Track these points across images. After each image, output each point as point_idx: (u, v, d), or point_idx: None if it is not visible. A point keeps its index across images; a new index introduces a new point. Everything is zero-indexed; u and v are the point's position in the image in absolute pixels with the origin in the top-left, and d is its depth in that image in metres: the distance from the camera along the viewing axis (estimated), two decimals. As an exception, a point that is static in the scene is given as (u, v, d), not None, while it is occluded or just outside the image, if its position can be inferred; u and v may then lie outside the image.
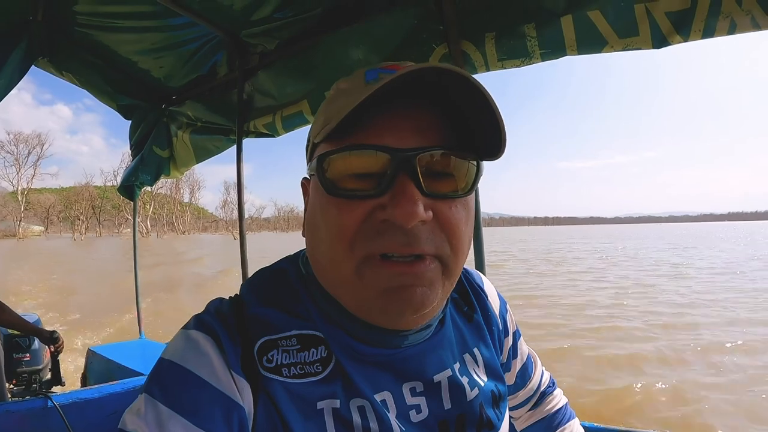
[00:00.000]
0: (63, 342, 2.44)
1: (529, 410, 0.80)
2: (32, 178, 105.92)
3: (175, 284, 14.66)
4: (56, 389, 2.48)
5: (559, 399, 0.82)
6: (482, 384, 0.59)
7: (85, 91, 2.61)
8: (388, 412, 0.50)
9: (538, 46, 1.39)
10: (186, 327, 0.51)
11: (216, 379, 0.45)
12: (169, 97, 2.77)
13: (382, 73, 0.49)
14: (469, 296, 0.67)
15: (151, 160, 2.87)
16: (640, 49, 1.29)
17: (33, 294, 13.06)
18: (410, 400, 0.52)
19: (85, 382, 2.95)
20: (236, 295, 0.57)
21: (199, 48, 2.34)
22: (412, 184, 0.44)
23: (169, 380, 0.45)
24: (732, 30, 1.16)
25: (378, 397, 0.50)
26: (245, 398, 0.46)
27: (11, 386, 2.54)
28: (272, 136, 2.26)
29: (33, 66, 2.31)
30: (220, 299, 0.56)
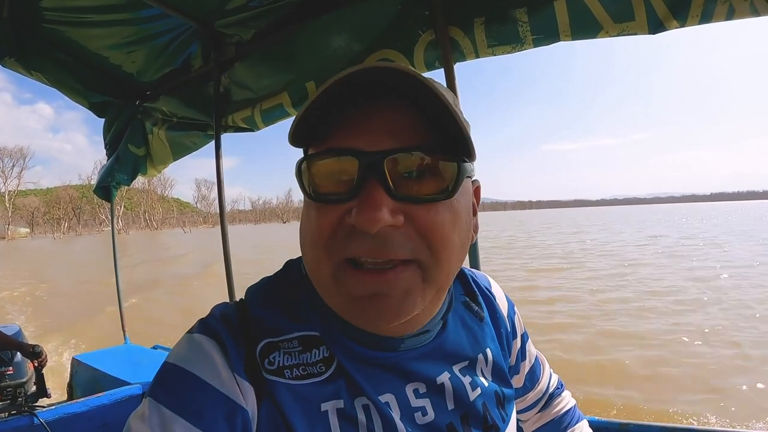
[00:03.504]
0: (46, 356, 2.39)
1: (538, 412, 0.80)
2: (17, 187, 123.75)
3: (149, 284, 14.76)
4: (43, 401, 2.40)
5: (567, 401, 0.82)
6: (486, 385, 0.59)
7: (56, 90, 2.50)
8: (392, 413, 0.49)
9: (530, 32, 1.32)
10: (190, 331, 0.51)
11: (219, 381, 0.45)
12: (143, 92, 2.66)
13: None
14: (477, 298, 0.66)
15: (126, 159, 2.78)
16: (635, 34, 1.24)
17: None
18: (414, 401, 0.52)
19: (71, 392, 2.89)
20: (241, 299, 0.56)
21: (172, 40, 2.24)
22: (379, 188, 0.42)
23: (173, 383, 0.45)
24: (730, 15, 1.12)
25: (382, 398, 0.50)
26: (249, 401, 0.46)
27: None
28: (251, 130, 2.17)
29: (2, 66, 2.22)
30: (225, 303, 0.56)
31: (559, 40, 1.31)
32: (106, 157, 2.92)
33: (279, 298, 0.54)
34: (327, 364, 0.49)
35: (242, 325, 0.51)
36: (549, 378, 0.80)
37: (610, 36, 1.26)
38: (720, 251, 18.19)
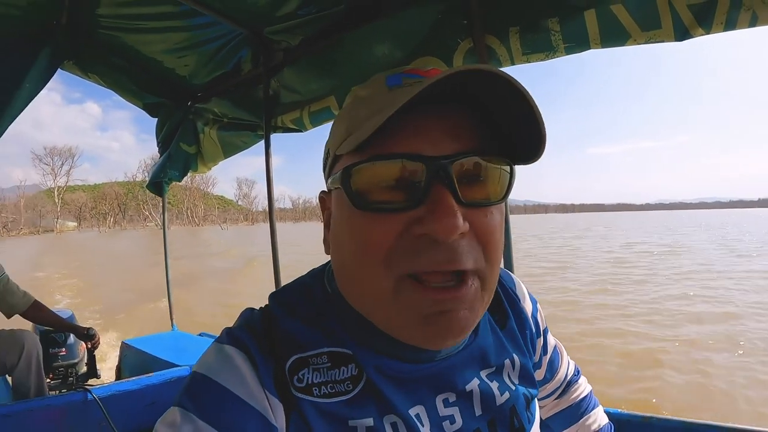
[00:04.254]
0: (99, 338, 2.53)
1: (555, 399, 0.80)
2: (66, 184, 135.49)
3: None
4: (93, 382, 2.56)
5: (584, 387, 0.82)
6: (513, 388, 0.58)
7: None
8: (422, 426, 0.49)
9: (562, 40, 1.42)
10: (219, 340, 0.50)
11: (250, 395, 0.45)
12: (194, 94, 2.83)
13: (407, 78, 0.48)
14: (502, 303, 0.65)
15: (178, 156, 2.96)
16: (662, 41, 1.31)
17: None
18: (443, 411, 0.51)
19: (119, 374, 3.05)
20: (266, 307, 0.55)
21: (223, 46, 2.39)
22: (449, 194, 0.41)
23: (204, 395, 0.45)
24: (753, 22, 1.17)
25: (411, 412, 0.49)
26: (278, 417, 0.45)
27: (48, 380, 2.61)
28: (299, 131, 2.32)
29: (59, 69, 2.39)
30: (251, 310, 0.55)
31: (590, 48, 1.40)
32: (159, 155, 3.12)
33: (306, 309, 0.53)
34: (355, 382, 0.48)
35: (270, 337, 0.50)
36: (567, 366, 0.80)
37: (638, 44, 1.35)
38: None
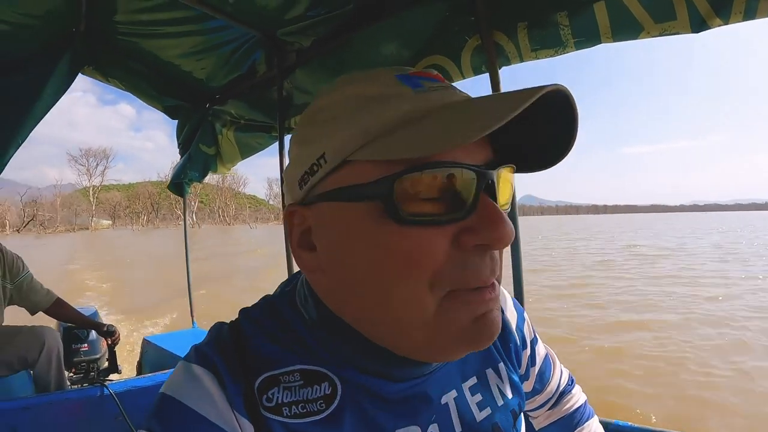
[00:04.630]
0: (119, 335, 2.61)
1: (548, 410, 0.77)
2: (100, 184, 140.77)
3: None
4: (113, 377, 2.61)
5: (578, 397, 0.79)
6: (500, 403, 0.57)
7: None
8: None
9: (572, 35, 1.37)
10: (187, 359, 0.48)
11: (219, 417, 0.43)
12: (212, 96, 2.87)
13: (425, 81, 0.45)
14: None
15: (198, 157, 3.01)
16: (678, 33, 1.25)
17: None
18: (428, 429, 0.50)
19: (140, 370, 3.16)
20: (236, 322, 0.53)
21: (238, 48, 2.41)
22: (493, 203, 0.41)
23: (172, 418, 0.43)
24: None
25: (392, 430, 0.48)
26: None
27: (71, 374, 2.71)
28: (313, 131, 2.32)
29: (80, 74, 2.46)
30: (220, 326, 0.53)
31: (600, 42, 1.35)
32: (179, 156, 3.21)
33: (280, 325, 0.51)
34: (328, 402, 0.46)
35: (239, 355, 0.48)
36: (560, 376, 0.76)
37: (652, 36, 1.29)
38: None
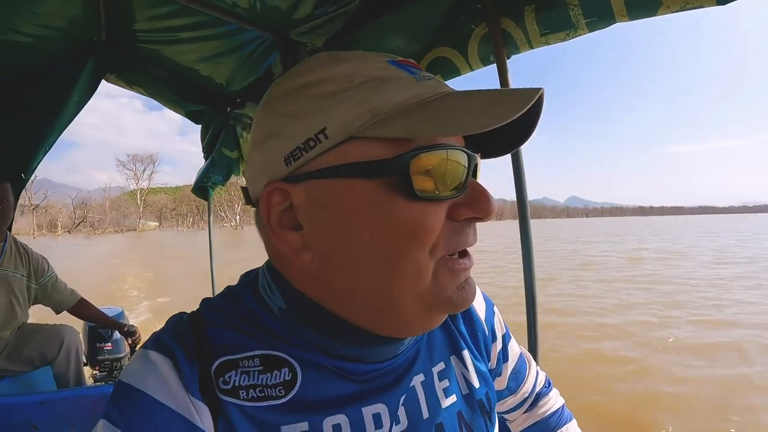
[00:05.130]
0: (140, 335, 2.69)
1: (524, 413, 0.77)
2: (147, 187, 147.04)
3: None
4: None
5: (555, 401, 0.79)
6: (464, 392, 0.58)
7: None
8: (366, 428, 0.48)
9: (583, 15, 1.25)
10: (144, 346, 0.49)
11: (174, 402, 0.44)
12: (233, 100, 2.90)
13: (416, 70, 0.48)
14: None
15: (221, 161, 3.04)
16: (701, 7, 1.11)
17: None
18: (390, 413, 0.50)
19: None
20: (197, 311, 0.53)
21: (254, 51, 2.41)
22: (479, 182, 0.48)
23: (128, 404, 0.44)
24: None
25: (367, 411, 0.49)
26: (205, 422, 0.44)
27: (95, 372, 2.83)
28: (325, 133, 2.28)
29: (104, 81, 2.54)
30: (180, 315, 0.53)
31: (615, 22, 1.23)
32: (204, 160, 3.26)
33: (242, 313, 0.51)
34: (287, 388, 0.47)
35: (197, 340, 0.48)
36: (536, 377, 0.77)
37: (672, 11, 1.16)
38: None
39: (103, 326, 2.75)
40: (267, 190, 0.46)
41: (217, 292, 0.57)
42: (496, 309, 0.71)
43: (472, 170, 0.46)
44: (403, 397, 0.51)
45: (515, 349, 0.73)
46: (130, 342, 2.66)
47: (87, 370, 2.72)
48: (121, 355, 2.88)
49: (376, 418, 0.49)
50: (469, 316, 0.66)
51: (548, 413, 0.77)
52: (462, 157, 0.45)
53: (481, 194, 0.46)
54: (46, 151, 2.28)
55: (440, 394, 0.55)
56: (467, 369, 0.60)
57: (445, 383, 0.56)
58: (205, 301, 0.54)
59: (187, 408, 0.44)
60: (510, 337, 0.72)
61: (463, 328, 0.64)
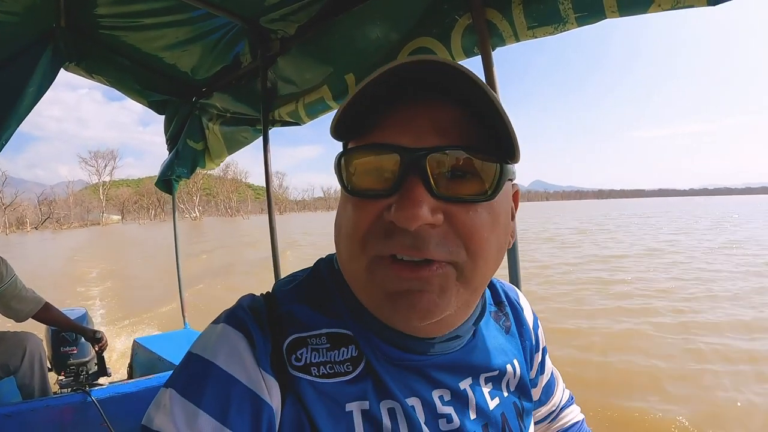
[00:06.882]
0: (106, 341, 2.54)
1: (548, 424, 0.79)
2: (109, 182, 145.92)
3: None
4: (102, 380, 2.59)
5: (575, 414, 0.81)
6: (505, 395, 0.58)
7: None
8: (418, 417, 0.48)
9: (573, 9, 1.21)
10: (216, 321, 0.50)
11: (246, 376, 0.45)
12: (198, 89, 2.77)
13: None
14: (505, 308, 0.66)
15: (186, 153, 2.92)
16: (692, 6, 1.09)
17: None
18: (440, 408, 0.51)
19: (131, 373, 3.11)
20: (269, 292, 0.55)
21: (221, 38, 2.31)
22: (420, 186, 0.42)
23: (198, 376, 0.44)
24: None
25: (408, 402, 0.49)
26: (273, 397, 0.45)
27: (60, 378, 2.66)
28: (297, 124, 2.19)
29: (63, 70, 2.37)
30: (252, 295, 0.54)
31: (605, 17, 1.20)
32: (167, 152, 3.10)
33: (309, 293, 0.54)
34: (354, 364, 0.48)
35: (271, 318, 0.50)
36: (562, 392, 0.79)
37: (663, 9, 1.13)
38: None
39: (67, 330, 2.59)
40: None
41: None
42: (539, 322, 0.72)
43: (419, 171, 0.42)
44: (446, 397, 0.52)
45: (549, 364, 0.75)
46: (96, 349, 2.50)
47: (52, 376, 2.58)
48: (87, 359, 2.73)
49: (414, 409, 0.49)
50: (521, 324, 0.67)
51: (568, 425, 0.78)
52: (389, 157, 0.43)
53: (403, 198, 0.42)
54: (2, 145, 2.09)
55: (487, 396, 0.56)
56: (517, 377, 0.61)
57: (490, 386, 0.57)
58: (278, 281, 0.57)
59: (259, 383, 0.44)
60: (546, 352, 0.73)
61: (516, 332, 0.65)
